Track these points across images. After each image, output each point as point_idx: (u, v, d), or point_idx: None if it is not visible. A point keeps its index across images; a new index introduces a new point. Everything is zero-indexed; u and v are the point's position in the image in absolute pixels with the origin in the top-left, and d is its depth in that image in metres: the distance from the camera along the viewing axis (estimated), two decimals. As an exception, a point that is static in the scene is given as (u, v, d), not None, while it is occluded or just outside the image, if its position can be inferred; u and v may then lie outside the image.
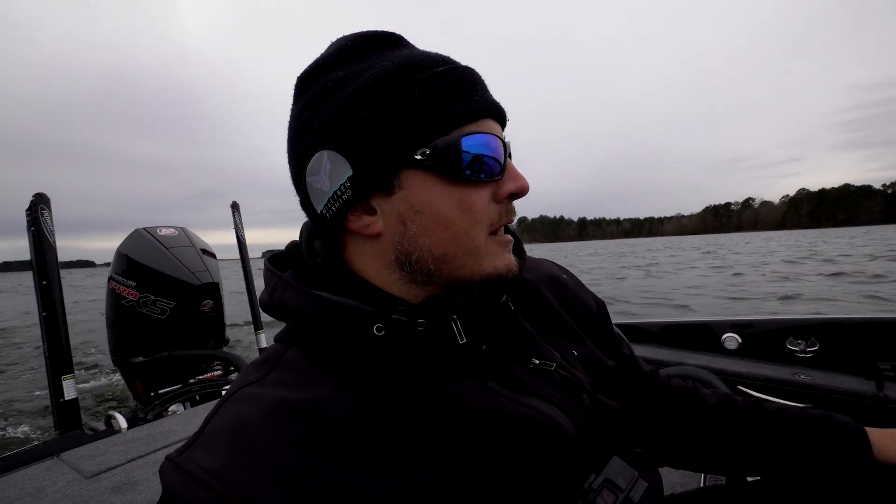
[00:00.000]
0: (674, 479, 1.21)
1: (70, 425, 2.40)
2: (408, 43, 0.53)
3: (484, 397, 0.49)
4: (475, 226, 0.48)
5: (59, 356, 2.43)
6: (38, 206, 2.51)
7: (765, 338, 1.78)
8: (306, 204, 0.52)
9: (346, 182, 0.47)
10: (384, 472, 0.42)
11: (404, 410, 0.46)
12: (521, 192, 0.51)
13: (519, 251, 0.59)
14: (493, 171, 0.49)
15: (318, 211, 0.51)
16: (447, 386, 0.48)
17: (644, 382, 0.75)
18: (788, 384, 1.53)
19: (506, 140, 0.51)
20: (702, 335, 1.93)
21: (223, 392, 2.94)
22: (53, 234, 2.55)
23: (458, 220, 0.48)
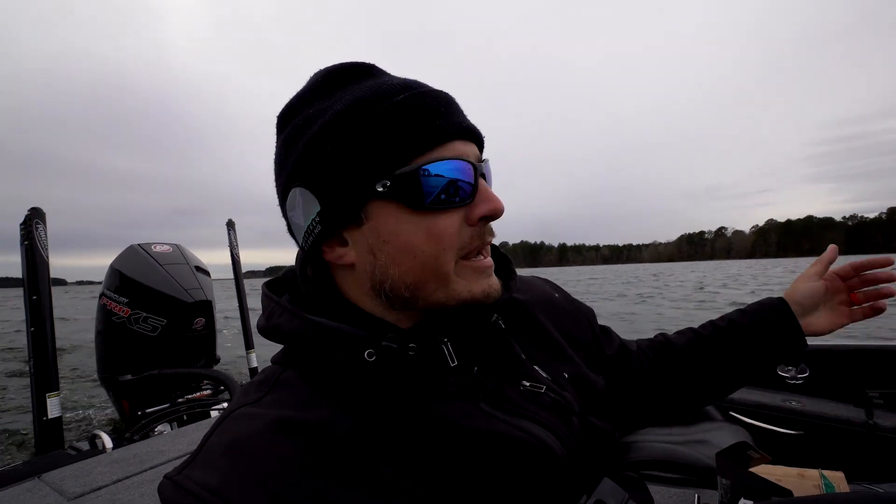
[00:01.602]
0: (662, 501, 1.20)
1: (52, 444, 2.34)
2: (379, 71, 0.53)
3: (476, 419, 0.49)
4: (443, 252, 0.48)
5: (44, 373, 2.38)
6: (34, 221, 2.51)
7: None
8: (291, 232, 0.55)
9: (315, 217, 0.49)
10: (379, 491, 0.43)
11: (399, 432, 0.47)
12: (495, 214, 0.50)
13: (509, 272, 0.61)
14: (459, 195, 0.48)
15: (300, 242, 0.54)
16: (440, 407, 0.49)
17: (636, 364, 0.78)
18: (779, 410, 1.54)
19: (479, 161, 0.50)
20: None
21: (212, 412, 2.88)
22: (47, 250, 2.54)
23: (425, 248, 0.48)
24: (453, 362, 0.52)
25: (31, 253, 2.46)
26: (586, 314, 0.74)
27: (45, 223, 2.55)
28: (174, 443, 1.66)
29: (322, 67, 0.53)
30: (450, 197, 0.48)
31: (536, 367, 0.58)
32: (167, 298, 3.00)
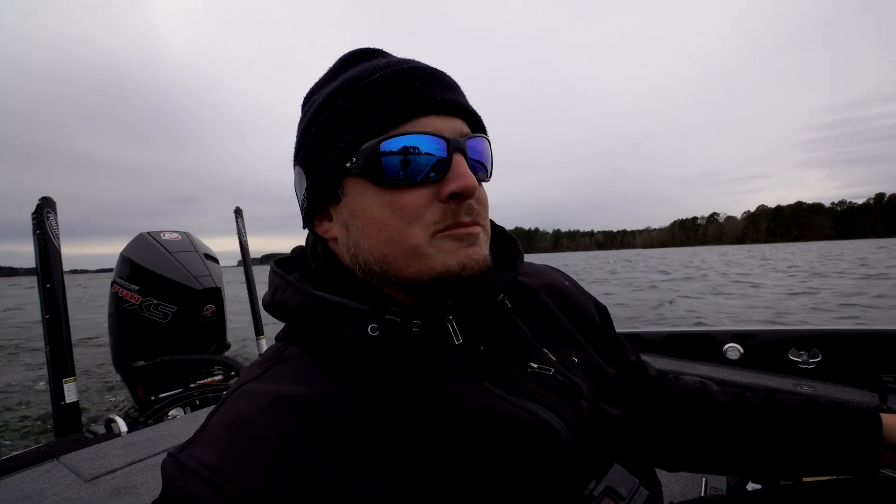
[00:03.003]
0: (673, 489, 1.20)
1: (70, 428, 2.40)
2: (381, 54, 0.55)
3: (479, 398, 0.48)
4: (408, 226, 0.48)
5: (60, 359, 2.44)
6: (44, 210, 2.53)
7: (767, 348, 1.77)
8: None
9: (305, 192, 0.54)
10: (378, 469, 0.42)
11: (400, 409, 0.46)
12: (465, 192, 0.48)
13: (515, 252, 0.60)
14: (426, 170, 0.47)
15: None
16: (442, 385, 0.48)
17: (652, 387, 0.74)
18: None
19: (464, 137, 0.49)
20: (704, 345, 1.93)
21: (223, 396, 2.94)
22: (58, 238, 2.57)
23: (389, 222, 0.48)
24: (458, 340, 0.51)
25: (44, 242, 2.49)
26: (599, 307, 0.73)
27: (55, 212, 2.58)
28: (186, 426, 1.70)
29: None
30: (415, 172, 0.47)
31: (545, 350, 0.57)
32: (177, 286, 3.04)
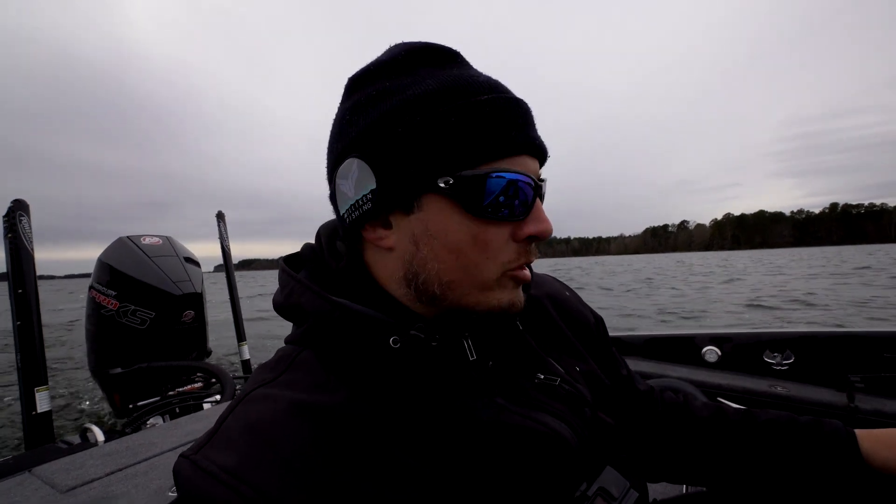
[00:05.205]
0: (657, 488, 1.23)
1: (42, 439, 2.32)
2: (463, 61, 0.52)
3: (493, 411, 0.50)
4: (486, 261, 0.48)
5: (32, 367, 2.36)
6: (17, 213, 2.46)
7: (743, 351, 1.83)
8: (333, 200, 0.54)
9: (368, 194, 0.48)
10: (393, 478, 0.43)
11: (415, 420, 0.47)
12: (543, 235, 0.50)
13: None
14: (515, 211, 0.48)
15: (341, 213, 0.52)
16: (457, 400, 0.49)
17: (640, 401, 0.75)
18: (766, 396, 1.58)
19: (539, 180, 0.50)
20: (683, 348, 1.98)
21: (204, 404, 2.88)
22: (32, 242, 2.49)
23: (469, 252, 0.48)
24: (472, 357, 0.52)
25: (16, 246, 2.42)
26: (596, 318, 0.75)
27: (29, 215, 2.51)
28: (167, 434, 1.66)
29: (402, 42, 0.52)
30: (505, 209, 0.47)
31: (551, 360, 0.59)
32: (155, 291, 2.97)
